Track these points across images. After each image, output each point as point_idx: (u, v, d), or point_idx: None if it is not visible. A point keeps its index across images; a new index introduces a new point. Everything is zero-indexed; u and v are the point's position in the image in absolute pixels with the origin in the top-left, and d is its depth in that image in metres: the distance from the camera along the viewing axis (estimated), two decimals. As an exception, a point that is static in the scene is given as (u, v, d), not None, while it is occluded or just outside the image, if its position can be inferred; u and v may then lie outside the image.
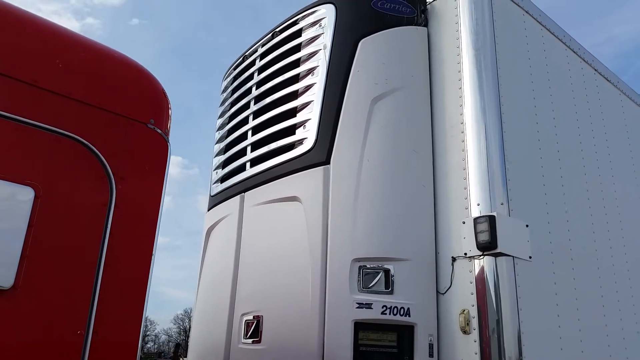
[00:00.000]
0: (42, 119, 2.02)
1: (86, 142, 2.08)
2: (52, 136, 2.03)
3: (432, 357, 3.44)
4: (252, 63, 4.88)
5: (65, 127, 2.05)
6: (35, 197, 1.93)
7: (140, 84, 2.34)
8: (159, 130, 2.26)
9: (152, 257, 2.18)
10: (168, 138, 2.30)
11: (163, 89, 2.38)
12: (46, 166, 2.00)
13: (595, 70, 5.37)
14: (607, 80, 5.53)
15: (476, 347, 3.32)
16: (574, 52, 5.13)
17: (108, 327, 2.00)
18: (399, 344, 3.40)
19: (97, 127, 2.12)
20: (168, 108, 2.38)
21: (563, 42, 5.02)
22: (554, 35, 4.94)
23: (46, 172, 1.99)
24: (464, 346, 3.38)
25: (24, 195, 1.89)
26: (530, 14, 4.67)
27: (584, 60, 5.25)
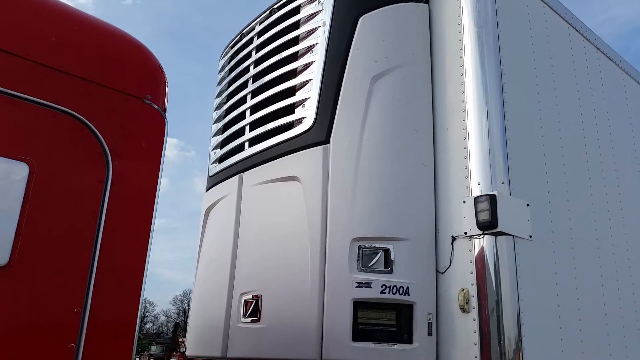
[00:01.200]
0: (36, 94, 1.98)
1: (81, 118, 2.03)
2: (46, 111, 1.98)
3: (431, 335, 3.45)
4: (250, 41, 4.80)
5: (60, 102, 2.01)
6: (30, 173, 1.89)
7: (137, 59, 2.28)
8: (155, 106, 2.22)
9: (150, 234, 2.15)
10: (165, 114, 2.25)
11: (159, 64, 2.33)
12: (41, 142, 1.96)
13: (598, 48, 5.30)
14: (610, 59, 5.47)
15: (475, 325, 3.32)
16: (576, 30, 5.06)
17: (106, 306, 1.98)
18: (398, 322, 3.40)
19: (92, 102, 2.07)
20: (165, 84, 2.33)
21: (565, 20, 4.94)
22: (556, 12, 4.86)
23: (41, 148, 1.95)
24: (463, 325, 3.38)
25: (19, 171, 1.86)
26: (532, -9, 4.59)
27: (586, 39, 5.18)
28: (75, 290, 1.91)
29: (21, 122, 1.93)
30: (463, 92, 3.84)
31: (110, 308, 2.01)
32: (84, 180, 2.01)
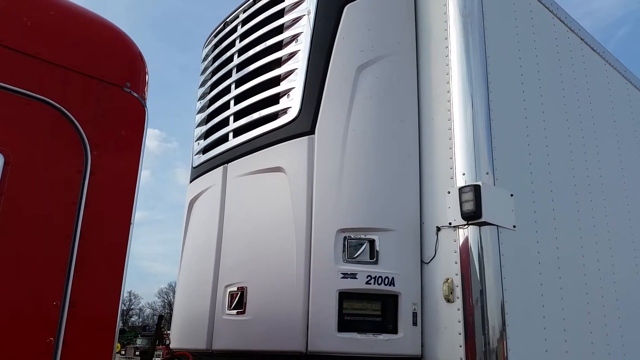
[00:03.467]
0: (11, 81, 1.91)
1: (58, 106, 1.98)
2: (21, 99, 1.92)
3: (416, 325, 3.46)
4: (234, 30, 4.73)
5: (36, 90, 1.95)
6: (5, 163, 1.83)
7: (115, 46, 2.23)
8: (135, 94, 2.16)
9: (131, 225, 2.11)
10: (145, 102, 2.20)
11: (139, 51, 2.27)
12: (16, 131, 1.90)
13: (582, 39, 5.33)
14: (593, 50, 5.50)
15: (460, 315, 3.34)
16: (561, 20, 5.08)
17: (86, 298, 1.94)
18: (383, 313, 3.41)
19: (69, 90, 2.01)
20: (145, 71, 2.27)
21: (550, 11, 4.96)
22: (541, 3, 4.87)
23: (16, 137, 1.89)
24: (447, 314, 3.39)
25: (-7, 161, 1.80)
26: (517, -19, 4.58)
27: (571, 30, 5.20)
28: (54, 283, 1.87)
29: (-5, 110, 1.87)
30: (448, 82, 3.83)
31: (90, 300, 1.97)
32: (61, 170, 1.96)
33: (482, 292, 3.34)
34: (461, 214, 3.44)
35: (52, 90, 1.98)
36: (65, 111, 1.98)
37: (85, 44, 2.12)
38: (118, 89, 2.12)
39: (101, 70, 2.10)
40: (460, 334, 3.30)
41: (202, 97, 5.02)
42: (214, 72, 4.87)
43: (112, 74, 2.12)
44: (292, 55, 4.05)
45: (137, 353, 38.74)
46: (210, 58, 5.02)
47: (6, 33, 1.92)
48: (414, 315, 3.44)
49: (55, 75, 2.01)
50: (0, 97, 1.88)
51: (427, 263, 3.58)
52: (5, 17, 1.93)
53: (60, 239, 1.91)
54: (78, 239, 1.93)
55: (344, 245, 3.47)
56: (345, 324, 3.29)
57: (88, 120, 2.03)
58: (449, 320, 3.37)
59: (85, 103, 2.03)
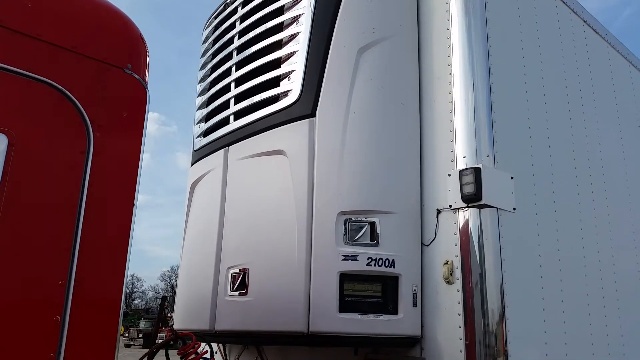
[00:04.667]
0: (13, 63, 1.92)
1: (61, 87, 1.98)
2: (24, 81, 1.93)
3: (416, 306, 3.50)
4: (234, 11, 4.70)
5: (38, 71, 1.95)
6: (9, 144, 1.85)
7: (117, 27, 2.22)
8: (136, 76, 2.17)
9: (134, 206, 2.13)
10: (146, 84, 2.21)
11: (140, 33, 2.27)
12: (19, 112, 1.92)
13: (584, 22, 5.29)
14: (596, 32, 5.46)
15: (459, 296, 3.37)
16: (563, 2, 5.04)
17: (90, 278, 1.97)
18: (384, 294, 3.44)
19: (71, 72, 2.02)
20: (146, 53, 2.27)
21: (553, -8, 4.91)
22: (544, -16, 4.83)
23: (20, 118, 1.91)
24: (447, 296, 3.43)
25: (-3, 143, 1.81)
26: (520, -38, 4.54)
27: (573, 11, 5.16)
28: (59, 263, 1.89)
29: (-2, 92, 1.87)
30: (450, 65, 3.82)
31: (95, 280, 2.00)
32: (65, 151, 1.97)
33: (482, 274, 3.37)
34: (461, 197, 3.46)
35: (54, 72, 1.99)
36: (67, 92, 1.99)
37: (86, 26, 2.12)
38: (119, 70, 2.13)
39: (103, 51, 2.10)
40: (459, 315, 3.34)
41: (202, 79, 5.00)
42: (214, 55, 4.85)
43: (114, 56, 2.12)
44: (292, 37, 4.03)
45: (140, 336, 39.19)
46: (210, 40, 5.00)
47: (7, 14, 1.92)
48: (414, 296, 3.48)
49: (57, 57, 2.01)
50: (2, 79, 1.89)
51: (428, 245, 3.61)
52: (8, 0, 1.93)
53: (64, 219, 1.93)
54: (82, 219, 1.95)
55: (345, 227, 3.50)
56: (346, 305, 3.33)
57: (90, 102, 2.03)
58: (449, 302, 3.41)
59: (87, 84, 2.04)
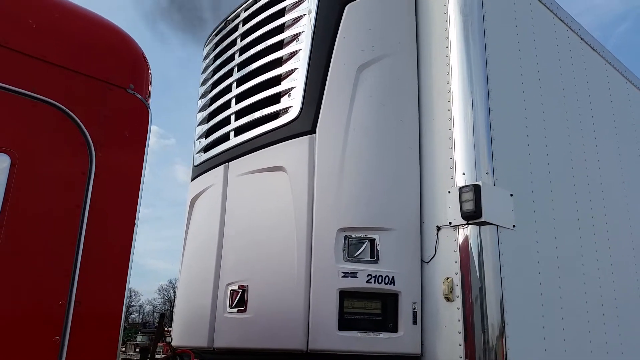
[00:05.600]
0: (16, 83, 1.93)
1: (63, 108, 1.99)
2: (27, 101, 1.94)
3: (416, 324, 3.49)
4: (235, 28, 4.75)
5: (41, 92, 1.96)
6: (12, 164, 1.85)
7: (119, 47, 2.24)
8: (139, 96, 2.18)
9: (135, 225, 2.13)
10: (149, 104, 2.22)
11: (143, 53, 2.29)
12: (22, 133, 1.92)
13: (582, 39, 5.34)
14: (593, 49, 5.52)
15: (459, 314, 3.37)
16: (561, 20, 5.09)
17: (91, 297, 1.96)
18: (384, 311, 3.43)
19: (74, 92, 2.03)
20: (148, 73, 2.29)
21: (550, 10, 4.97)
22: (541, 2, 4.88)
23: (22, 138, 1.91)
24: (447, 313, 3.42)
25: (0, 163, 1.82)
26: (518, -19, 4.60)
27: (571, 29, 5.21)
28: (59, 282, 1.89)
29: (1, 112, 1.89)
30: (449, 82, 3.85)
31: (95, 300, 1.99)
32: (66, 171, 1.98)
33: (482, 291, 3.37)
34: (461, 214, 3.47)
35: (57, 92, 2.00)
36: (70, 113, 2.00)
37: (89, 46, 2.14)
38: (122, 90, 2.14)
39: (105, 72, 2.12)
40: (459, 333, 3.33)
41: (203, 95, 5.03)
42: (215, 71, 4.89)
43: (116, 76, 2.14)
44: (293, 54, 4.06)
45: (138, 350, 38.85)
46: (211, 57, 5.04)
47: (12, 35, 1.94)
48: (414, 314, 3.47)
49: (60, 77, 2.03)
50: (5, 99, 1.90)
51: (427, 262, 3.61)
52: (11, 20, 1.95)
53: (65, 239, 1.93)
54: (83, 239, 1.95)
55: (345, 244, 3.50)
56: (345, 322, 3.32)
57: (92, 122, 2.05)
58: (449, 319, 3.40)
59: (89, 105, 2.05)
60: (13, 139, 1.88)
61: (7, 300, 1.79)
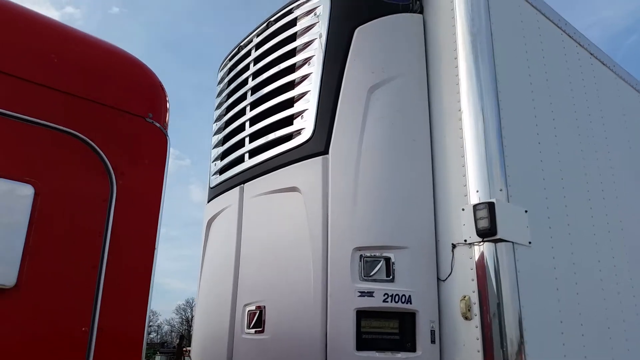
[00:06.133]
0: (39, 115, 2.01)
1: (84, 138, 2.07)
2: (49, 132, 2.01)
3: (434, 343, 3.47)
4: (248, 54, 4.85)
5: (63, 123, 2.04)
6: (35, 194, 1.91)
7: (138, 77, 2.32)
8: (157, 124, 2.25)
9: (155, 251, 2.18)
10: (167, 131, 2.29)
11: (160, 82, 2.36)
12: (45, 163, 1.99)
13: (591, 54, 5.36)
14: (603, 63, 5.52)
15: (478, 332, 3.35)
16: (570, 36, 5.12)
17: (113, 323, 2.00)
18: (401, 331, 3.42)
19: (95, 122, 2.11)
20: (166, 101, 2.36)
21: (558, 27, 5.00)
22: (549, 19, 4.92)
23: (45, 169, 1.98)
24: (465, 332, 3.40)
25: (24, 193, 1.88)
26: (525, -1, 4.65)
27: (580, 44, 5.23)
28: (82, 309, 1.93)
29: (24, 143, 1.96)
30: (459, 101, 3.88)
31: (117, 325, 2.03)
32: (88, 199, 2.04)
33: (500, 309, 3.35)
34: (476, 231, 3.47)
35: (78, 123, 2.07)
36: (92, 143, 2.07)
37: (109, 77, 2.22)
38: (141, 119, 2.21)
39: (125, 102, 2.19)
40: (479, 352, 3.31)
41: (218, 119, 5.13)
42: (229, 95, 4.99)
43: (136, 106, 2.21)
44: (304, 77, 4.14)
45: (155, 371, 38.78)
46: (225, 81, 5.14)
47: (35, 70, 2.02)
48: (432, 333, 3.46)
49: (81, 108, 2.10)
50: (29, 131, 1.98)
51: (444, 280, 3.60)
52: (34, 55, 2.03)
53: (87, 266, 1.98)
54: (105, 265, 2.00)
55: (360, 263, 3.51)
56: (363, 342, 3.32)
57: (112, 151, 2.11)
58: (467, 338, 3.38)
59: (110, 134, 2.12)
60: (36, 169, 1.95)
61: (31, 328, 1.83)
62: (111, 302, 1.98)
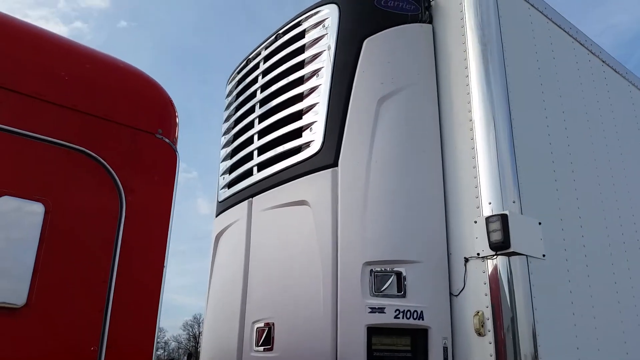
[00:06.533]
0: (50, 133, 1.99)
1: (94, 155, 2.05)
2: (60, 150, 2.00)
3: None
4: (256, 66, 4.85)
5: (73, 140, 2.02)
6: (46, 212, 1.90)
7: (147, 94, 2.31)
8: (167, 140, 2.23)
9: (164, 268, 2.15)
10: (176, 147, 2.27)
11: (170, 98, 2.35)
12: (55, 180, 1.98)
13: (603, 61, 5.31)
14: (615, 71, 5.47)
15: (491, 349, 3.27)
16: (581, 44, 5.07)
17: (122, 341, 1.97)
18: (413, 348, 3.36)
19: (105, 139, 2.09)
20: (175, 117, 2.34)
21: (570, 35, 4.96)
22: (561, 27, 4.88)
23: (55, 186, 1.96)
24: (479, 348, 3.33)
25: (35, 211, 1.87)
26: (535, 7, 4.61)
27: (591, 52, 5.18)
28: (91, 328, 1.91)
29: (35, 161, 1.94)
30: (470, 111, 3.84)
31: (126, 343, 2.00)
32: (98, 216, 2.02)
33: (514, 325, 3.28)
34: (489, 244, 3.40)
35: (89, 140, 2.06)
36: (101, 160, 2.05)
37: (119, 94, 2.21)
38: (151, 136, 2.20)
39: (135, 118, 2.18)
40: (493, 368, 3.23)
41: (226, 132, 5.11)
42: (237, 108, 4.98)
43: (145, 122, 2.20)
44: (313, 89, 4.12)
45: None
46: (233, 94, 5.14)
47: (46, 87, 2.01)
48: (445, 350, 3.39)
49: (91, 126, 2.09)
50: (40, 149, 1.96)
51: (457, 295, 3.54)
52: (45, 73, 2.02)
53: (97, 283, 1.95)
54: (114, 283, 1.98)
55: (371, 278, 3.46)
56: (374, 359, 3.25)
57: (122, 167, 2.09)
58: (481, 355, 3.30)
59: (119, 151, 2.11)
60: (47, 187, 1.94)
61: (40, 347, 1.81)
62: (120, 320, 1.95)
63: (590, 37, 5.23)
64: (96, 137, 2.07)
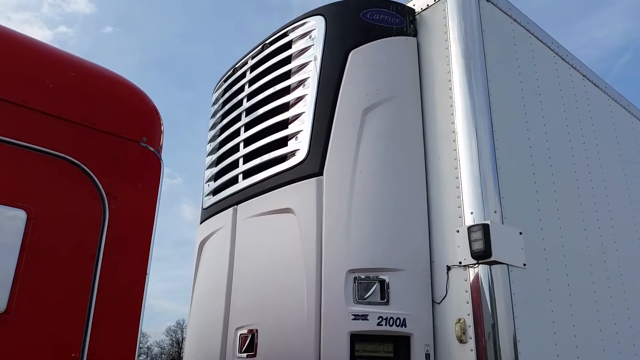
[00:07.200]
0: (33, 141, 2.00)
1: (78, 162, 2.06)
2: (43, 157, 2.01)
3: (429, 366, 3.44)
4: (243, 75, 4.88)
5: (57, 148, 2.03)
6: (28, 219, 1.90)
7: (132, 102, 2.32)
8: (151, 148, 2.25)
9: (147, 275, 2.16)
10: (161, 156, 2.28)
11: (155, 107, 2.37)
12: (38, 188, 1.98)
13: (584, 76, 5.43)
14: (595, 85, 5.59)
15: (473, 356, 3.32)
16: (562, 58, 5.19)
17: (103, 348, 1.97)
18: (396, 354, 3.39)
19: (88, 147, 2.10)
20: (160, 125, 2.36)
21: (551, 49, 5.07)
22: (542, 42, 4.99)
23: (38, 194, 1.97)
24: (460, 355, 3.37)
25: (16, 218, 1.87)
26: (518, 22, 4.72)
27: (572, 67, 5.30)
28: (72, 335, 1.91)
29: (19, 169, 1.95)
30: (453, 123, 3.91)
31: (108, 351, 2.00)
32: (81, 224, 2.02)
33: (495, 332, 3.33)
34: (471, 253, 3.46)
35: (72, 148, 2.07)
36: (85, 167, 2.06)
37: (103, 102, 2.22)
38: (135, 144, 2.21)
39: (119, 126, 2.19)
40: (473, 376, 3.27)
41: (212, 139, 5.13)
42: (223, 116, 5.00)
43: (129, 130, 2.21)
44: (299, 99, 4.16)
45: (146, 393, 38.09)
46: (220, 102, 5.16)
47: (30, 95, 2.02)
48: (427, 356, 3.42)
49: (75, 133, 2.10)
50: (23, 156, 1.97)
51: (439, 303, 3.58)
52: (30, 81, 2.04)
53: (79, 291, 1.96)
54: (96, 290, 1.98)
55: (354, 285, 3.49)
56: (357, 367, 3.28)
57: (106, 175, 2.10)
58: (462, 362, 3.34)
59: (103, 159, 2.12)
60: (29, 194, 1.94)
61: (21, 354, 1.80)
62: (102, 327, 1.96)
63: (571, 52, 5.35)
64: (80, 145, 2.07)
